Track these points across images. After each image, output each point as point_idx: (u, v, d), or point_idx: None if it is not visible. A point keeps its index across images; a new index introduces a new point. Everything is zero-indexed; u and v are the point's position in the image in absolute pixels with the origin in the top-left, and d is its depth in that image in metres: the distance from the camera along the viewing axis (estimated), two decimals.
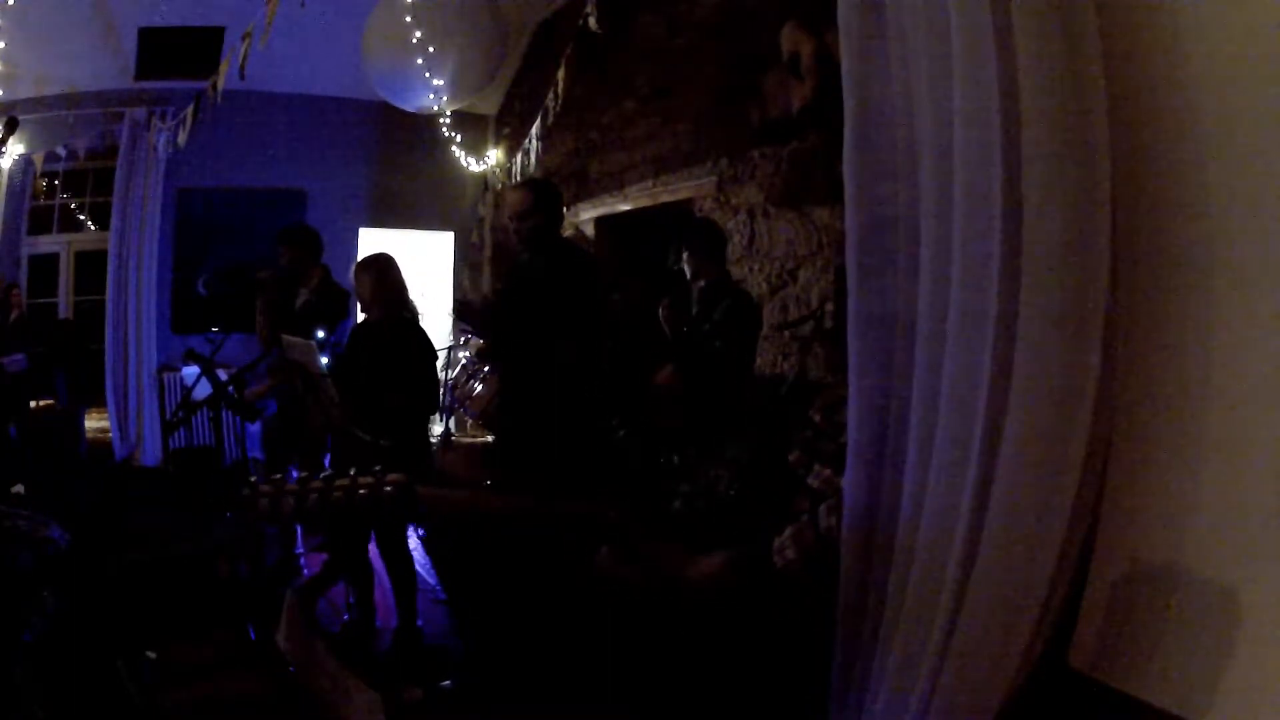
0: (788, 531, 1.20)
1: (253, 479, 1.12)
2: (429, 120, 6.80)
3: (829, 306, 1.25)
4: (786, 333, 4.56)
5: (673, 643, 1.33)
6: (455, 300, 3.28)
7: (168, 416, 6.55)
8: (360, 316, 3.64)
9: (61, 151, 6.63)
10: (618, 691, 1.43)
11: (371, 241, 7.43)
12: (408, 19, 5.48)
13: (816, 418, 1.34)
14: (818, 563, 1.16)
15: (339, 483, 1.09)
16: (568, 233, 6.65)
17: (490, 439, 5.04)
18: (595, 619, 1.49)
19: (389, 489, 1.08)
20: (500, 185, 7.18)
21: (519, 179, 6.30)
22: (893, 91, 1.07)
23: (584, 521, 1.25)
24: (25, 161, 6.82)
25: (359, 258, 3.64)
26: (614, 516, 1.24)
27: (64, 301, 7.59)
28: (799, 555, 1.18)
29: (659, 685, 1.35)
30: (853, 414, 1.13)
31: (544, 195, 3.22)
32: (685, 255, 3.83)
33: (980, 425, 0.99)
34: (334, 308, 4.10)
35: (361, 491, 1.08)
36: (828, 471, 1.27)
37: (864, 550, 1.12)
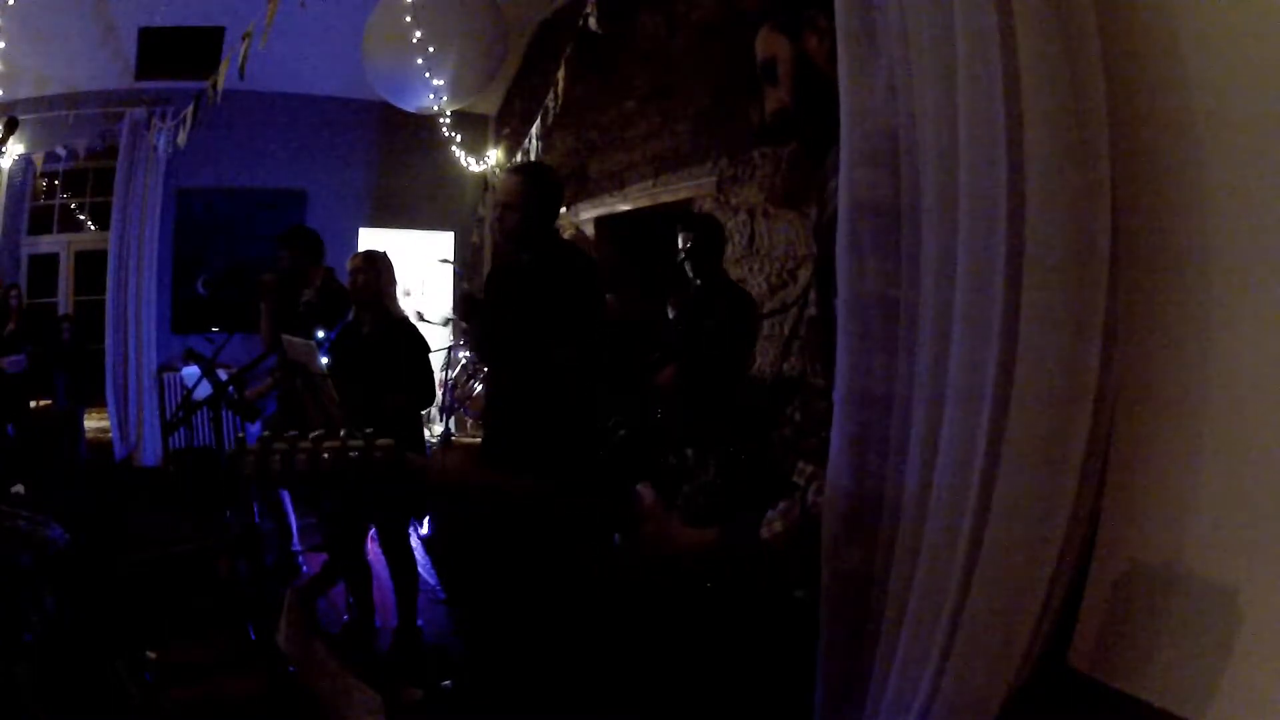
0: (781, 506, 1.22)
1: (240, 435, 1.10)
2: (429, 120, 6.81)
3: (811, 306, 1.24)
4: (785, 329, 4.56)
5: (665, 618, 1.35)
6: (460, 293, 3.15)
7: (168, 416, 6.56)
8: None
9: (61, 151, 6.63)
10: (616, 691, 1.44)
11: (371, 242, 7.44)
12: (408, 19, 5.48)
13: (796, 415, 1.35)
14: (802, 537, 1.17)
15: (328, 444, 1.07)
16: (568, 233, 6.65)
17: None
18: (591, 616, 1.50)
19: (378, 453, 1.07)
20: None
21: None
22: (893, 91, 1.06)
23: (592, 511, 1.24)
24: (25, 161, 6.82)
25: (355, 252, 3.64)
26: (604, 503, 1.23)
27: (64, 301, 7.60)
28: (785, 529, 1.20)
29: (656, 674, 1.36)
30: (840, 398, 1.12)
31: (537, 184, 2.87)
32: (685, 253, 3.82)
33: (985, 426, 0.99)
34: (335, 308, 4.10)
35: (351, 454, 1.06)
36: (810, 467, 1.27)
37: (846, 532, 1.12)
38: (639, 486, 1.26)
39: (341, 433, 1.10)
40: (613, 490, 1.22)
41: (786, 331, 4.49)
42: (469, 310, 3.07)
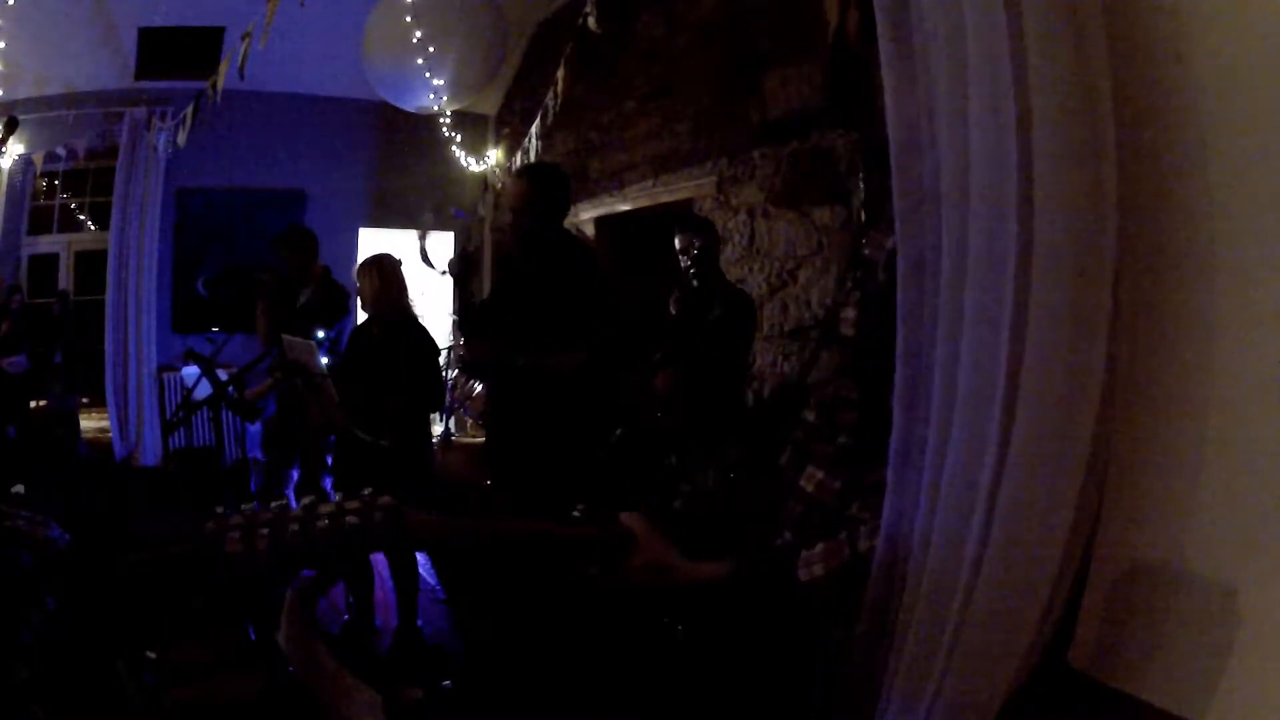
0: (819, 547, 1.15)
1: (219, 510, 0.96)
2: (429, 120, 6.80)
3: (849, 314, 1.17)
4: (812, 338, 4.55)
5: (673, 647, 1.31)
6: (461, 307, 3.16)
7: (168, 416, 6.56)
8: (361, 316, 3.65)
9: (61, 151, 6.63)
10: (617, 693, 1.43)
11: (371, 241, 7.44)
12: (408, 19, 5.48)
13: (810, 417, 1.30)
14: (846, 584, 1.11)
15: (323, 509, 0.98)
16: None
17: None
18: (594, 621, 1.48)
19: (379, 515, 0.98)
20: (500, 185, 7.19)
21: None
22: (920, 96, 1.05)
23: (584, 545, 1.16)
24: (25, 161, 6.81)
25: (362, 257, 3.65)
26: (605, 533, 1.15)
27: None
28: (826, 573, 1.13)
29: (661, 689, 1.34)
30: (896, 443, 1.09)
31: (543, 185, 2.92)
32: (691, 257, 3.80)
33: (994, 430, 0.99)
34: (334, 307, 4.12)
35: (349, 519, 0.97)
36: (820, 474, 1.22)
37: (891, 575, 1.10)
38: (625, 516, 1.18)
39: (338, 496, 1.00)
40: (599, 517, 1.14)
41: (814, 341, 4.46)
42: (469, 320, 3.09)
